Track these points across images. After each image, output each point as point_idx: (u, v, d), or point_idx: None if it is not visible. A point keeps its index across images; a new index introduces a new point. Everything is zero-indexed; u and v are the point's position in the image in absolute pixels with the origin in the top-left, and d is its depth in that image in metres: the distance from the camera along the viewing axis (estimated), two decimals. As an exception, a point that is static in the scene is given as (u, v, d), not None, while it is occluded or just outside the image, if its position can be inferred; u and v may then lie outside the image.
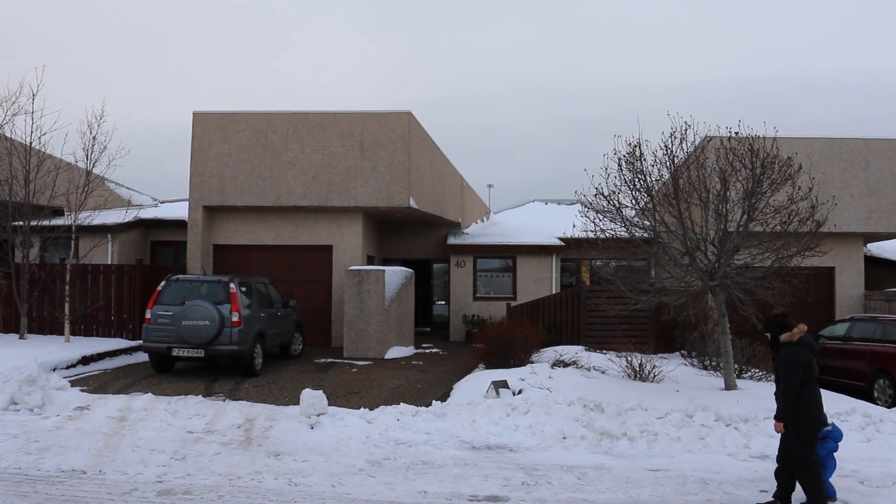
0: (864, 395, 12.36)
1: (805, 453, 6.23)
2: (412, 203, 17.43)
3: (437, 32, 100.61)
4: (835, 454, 6.75)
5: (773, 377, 12.05)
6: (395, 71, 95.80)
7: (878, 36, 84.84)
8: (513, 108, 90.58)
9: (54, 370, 12.40)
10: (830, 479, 6.60)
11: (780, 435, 6.46)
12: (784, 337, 6.58)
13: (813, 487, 6.16)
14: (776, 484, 6.50)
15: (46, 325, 16.30)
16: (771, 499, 6.49)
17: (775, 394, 6.55)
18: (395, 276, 16.69)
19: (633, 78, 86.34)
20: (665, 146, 10.95)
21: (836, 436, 6.81)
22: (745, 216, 10.53)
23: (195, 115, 17.93)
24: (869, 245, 21.20)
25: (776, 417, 6.39)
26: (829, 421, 6.79)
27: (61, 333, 15.61)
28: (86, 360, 13.81)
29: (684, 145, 10.89)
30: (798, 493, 6.38)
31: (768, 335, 6.89)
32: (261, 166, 17.61)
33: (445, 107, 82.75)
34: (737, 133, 10.81)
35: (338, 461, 7.51)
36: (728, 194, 10.55)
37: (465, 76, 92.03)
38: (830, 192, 14.09)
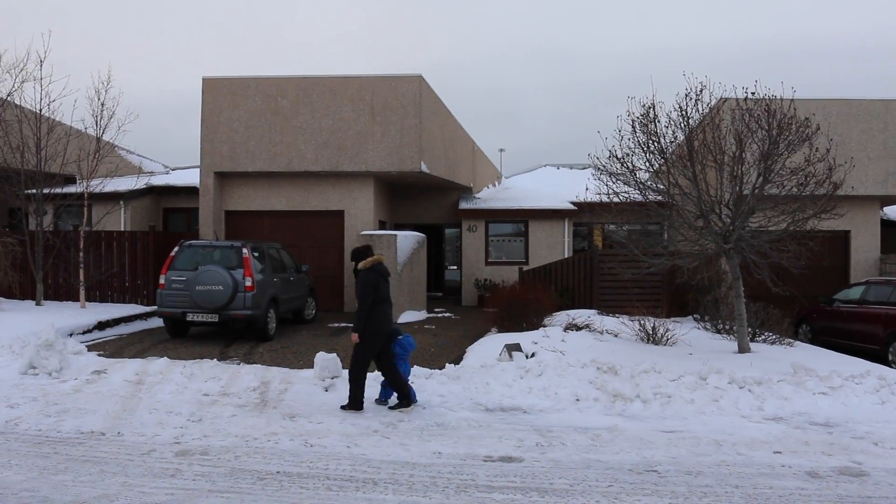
0: (879, 358, 12.32)
1: (362, 357, 8.08)
2: (423, 167, 17.34)
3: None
4: (407, 361, 8.51)
5: (787, 341, 12.06)
6: (399, 36, 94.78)
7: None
8: (519, 73, 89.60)
9: (71, 335, 12.55)
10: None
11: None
12: (361, 264, 8.23)
13: (355, 386, 8.04)
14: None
15: (62, 292, 16.44)
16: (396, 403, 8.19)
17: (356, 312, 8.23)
18: (407, 240, 16.68)
19: (638, 41, 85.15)
20: (680, 107, 10.79)
21: (406, 345, 8.39)
22: (761, 178, 10.39)
23: (205, 80, 17.81)
24: (885, 208, 20.97)
25: (353, 330, 8.08)
26: (403, 332, 8.53)
27: (77, 300, 15.75)
28: (101, 326, 13.94)
29: (699, 106, 10.72)
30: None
31: (354, 263, 8.39)
32: (271, 131, 17.54)
33: (451, 72, 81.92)
34: (753, 94, 10.63)
35: (352, 423, 7.57)
36: (744, 156, 10.41)
37: (470, 40, 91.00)
38: (848, 154, 13.88)
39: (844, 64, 74.08)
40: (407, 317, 16.14)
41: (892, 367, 11.39)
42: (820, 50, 74.10)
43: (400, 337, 8.39)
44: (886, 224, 20.37)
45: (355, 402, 8.06)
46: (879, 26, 76.36)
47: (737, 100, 10.71)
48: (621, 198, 11.33)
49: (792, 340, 12.46)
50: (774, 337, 12.15)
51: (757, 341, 11.85)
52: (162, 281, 12.81)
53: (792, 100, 10.54)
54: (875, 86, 63.94)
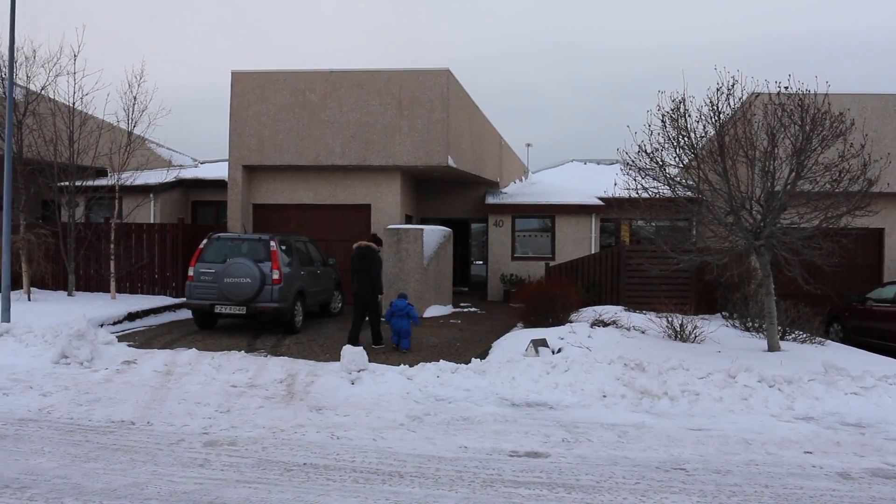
0: (913, 358, 12.07)
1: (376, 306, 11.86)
2: (450, 162, 17.32)
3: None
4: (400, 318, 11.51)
5: (818, 340, 11.87)
6: (418, 32, 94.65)
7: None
8: (540, 68, 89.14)
9: (102, 326, 12.74)
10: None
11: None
12: (372, 247, 11.90)
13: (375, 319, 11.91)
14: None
15: (93, 283, 16.70)
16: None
17: (370, 282, 11.76)
18: (434, 235, 16.68)
19: (659, 37, 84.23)
20: (710, 102, 10.63)
21: (397, 307, 11.55)
22: (793, 174, 10.22)
23: (234, 74, 17.95)
24: (920, 205, 20.51)
25: (379, 292, 11.92)
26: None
27: (107, 291, 15.99)
28: (131, 317, 14.14)
29: (731, 101, 10.56)
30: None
31: (376, 246, 12.06)
32: (299, 125, 17.62)
33: (472, 67, 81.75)
34: (786, 88, 10.44)
35: (378, 416, 7.60)
36: (776, 151, 10.24)
37: (490, 36, 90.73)
38: (883, 151, 13.58)
39: (876, 60, 72.65)
40: (432, 311, 16.15)
41: (926, 367, 11.15)
42: (850, 46, 72.75)
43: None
44: (922, 222, 19.94)
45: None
46: (916, 20, 74.69)
47: (769, 94, 10.53)
48: (650, 193, 11.22)
49: (823, 339, 12.26)
50: (805, 335, 11.96)
51: (787, 340, 11.68)
52: (191, 273, 12.94)
53: (826, 94, 10.34)
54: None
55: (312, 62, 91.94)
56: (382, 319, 12.05)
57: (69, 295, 15.54)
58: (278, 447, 6.48)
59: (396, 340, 11.60)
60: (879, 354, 11.48)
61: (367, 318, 11.82)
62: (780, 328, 11.42)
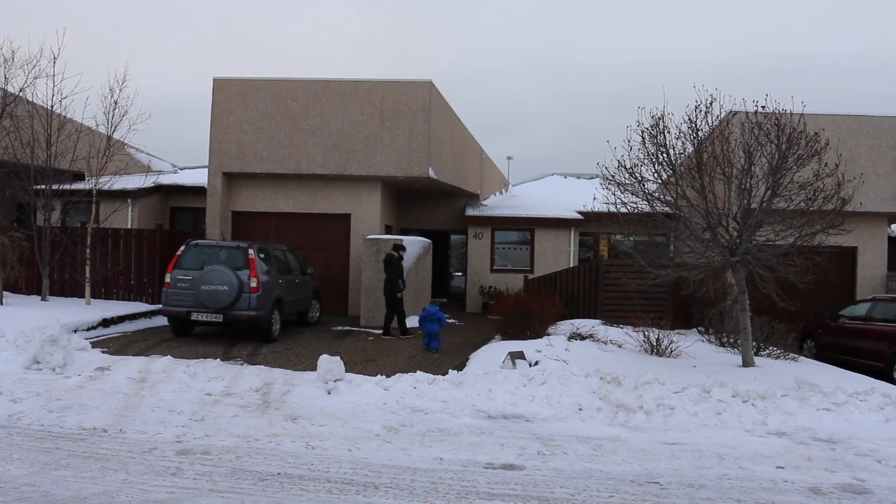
0: (884, 375, 12.25)
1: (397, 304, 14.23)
2: (431, 173, 17.36)
3: (443, 4, 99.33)
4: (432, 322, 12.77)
5: (791, 356, 12.02)
6: (400, 45, 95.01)
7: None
8: (522, 83, 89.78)
9: (76, 331, 12.57)
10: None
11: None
12: (396, 255, 14.37)
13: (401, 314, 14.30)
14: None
15: (68, 288, 16.49)
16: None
17: (395, 284, 14.21)
18: (413, 246, 16.68)
19: (639, 54, 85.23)
20: (689, 119, 10.78)
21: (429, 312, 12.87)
22: (769, 192, 10.37)
23: (215, 81, 17.89)
24: (893, 225, 20.91)
25: (400, 290, 14.16)
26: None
27: (82, 296, 15.80)
28: (106, 323, 13.97)
29: (709, 118, 10.71)
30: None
31: (396, 253, 14.50)
32: (280, 133, 17.59)
33: (453, 80, 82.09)
34: (763, 107, 10.61)
35: (354, 426, 7.57)
36: (752, 169, 10.39)
37: (471, 50, 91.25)
38: (857, 170, 13.82)
39: (850, 81, 74.05)
40: (411, 322, 16.08)
41: (896, 384, 11.32)
42: (825, 67, 74.11)
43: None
44: (894, 241, 20.30)
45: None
46: (883, 46, 76.25)
47: (746, 113, 10.70)
48: (629, 208, 11.32)
49: (796, 355, 12.41)
50: (779, 351, 12.11)
51: (761, 355, 11.81)
52: (167, 279, 12.83)
53: (802, 114, 10.53)
54: (883, 103, 63.86)
55: (295, 72, 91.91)
56: (416, 326, 13.87)
57: (43, 300, 15.33)
58: (252, 456, 6.43)
59: (427, 342, 12.72)
60: (851, 371, 11.65)
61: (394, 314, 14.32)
62: (754, 344, 11.56)
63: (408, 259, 16.13)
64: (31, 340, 10.22)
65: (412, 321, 14.80)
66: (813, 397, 8.61)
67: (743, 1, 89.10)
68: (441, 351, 12.66)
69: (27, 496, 5.22)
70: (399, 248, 14.61)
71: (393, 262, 14.28)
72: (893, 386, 10.09)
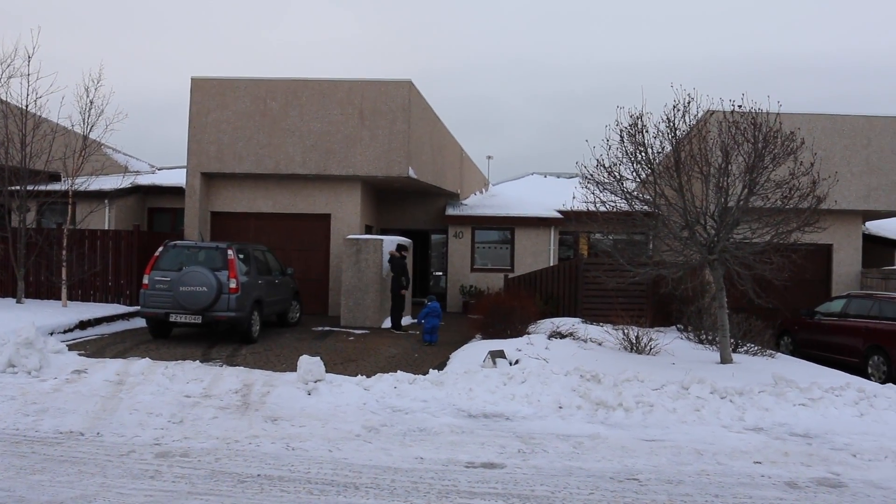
0: (859, 370, 12.45)
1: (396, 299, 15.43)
2: (411, 173, 17.35)
3: (423, 4, 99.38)
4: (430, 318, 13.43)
5: (769, 352, 12.15)
6: (379, 43, 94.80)
7: (869, 15, 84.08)
8: (500, 83, 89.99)
9: (52, 334, 12.43)
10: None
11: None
12: (398, 254, 15.44)
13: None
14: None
15: (44, 290, 16.29)
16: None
17: (399, 281, 15.39)
18: (393, 245, 16.64)
19: (616, 54, 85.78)
20: (667, 118, 10.87)
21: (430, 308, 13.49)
22: (746, 190, 10.48)
23: (193, 80, 17.75)
24: (867, 223, 21.19)
25: (403, 287, 15.42)
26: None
27: (58, 298, 15.61)
28: (83, 325, 13.82)
29: (687, 118, 10.81)
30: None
31: (398, 252, 15.45)
32: (259, 133, 17.49)
33: (432, 79, 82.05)
34: (740, 107, 10.73)
35: (335, 427, 7.55)
36: (729, 168, 10.50)
37: (449, 49, 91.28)
38: (831, 169, 14.02)
39: (824, 82, 75.02)
40: (390, 322, 16.11)
41: (871, 379, 11.50)
42: (799, 68, 75.01)
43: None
44: (868, 238, 20.59)
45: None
46: (854, 47, 77.32)
47: (724, 112, 10.81)
48: (608, 207, 11.39)
49: (773, 352, 12.55)
50: (756, 348, 12.24)
51: (739, 352, 11.93)
52: (145, 281, 12.71)
53: (778, 114, 10.66)
54: (854, 104, 64.73)
55: (277, 71, 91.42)
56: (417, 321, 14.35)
57: (18, 302, 15.12)
58: (232, 458, 6.39)
59: (429, 338, 13.34)
60: (827, 367, 11.81)
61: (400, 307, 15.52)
62: (732, 341, 11.67)
63: (387, 259, 16.15)
64: (6, 343, 10.06)
65: (405, 319, 15.33)
66: (789, 393, 8.71)
67: (719, 4, 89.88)
68: (436, 343, 13.32)
69: (2, 501, 5.15)
70: (401, 247, 15.64)
71: (395, 261, 15.35)
72: (868, 381, 10.25)
